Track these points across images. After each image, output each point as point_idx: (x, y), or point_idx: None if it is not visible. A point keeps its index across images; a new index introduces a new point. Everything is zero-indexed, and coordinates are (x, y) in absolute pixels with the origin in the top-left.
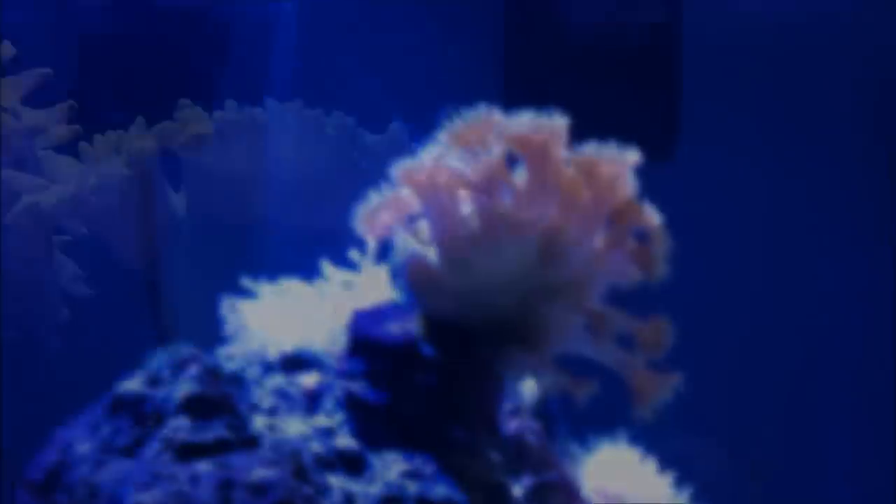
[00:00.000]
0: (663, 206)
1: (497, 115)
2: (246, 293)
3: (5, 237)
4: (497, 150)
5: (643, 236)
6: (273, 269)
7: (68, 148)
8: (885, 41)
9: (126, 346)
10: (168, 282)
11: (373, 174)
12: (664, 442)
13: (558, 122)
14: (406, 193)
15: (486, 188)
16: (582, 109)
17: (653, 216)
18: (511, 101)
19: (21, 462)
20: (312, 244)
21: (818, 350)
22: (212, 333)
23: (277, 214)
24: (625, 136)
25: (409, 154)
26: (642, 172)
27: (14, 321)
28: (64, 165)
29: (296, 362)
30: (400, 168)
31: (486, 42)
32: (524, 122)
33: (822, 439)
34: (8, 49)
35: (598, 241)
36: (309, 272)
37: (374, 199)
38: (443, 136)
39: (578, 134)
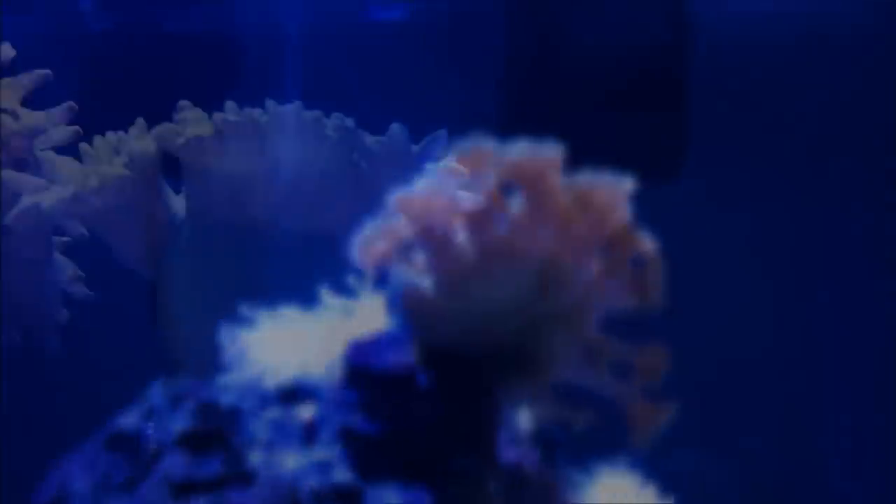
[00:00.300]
0: (668, 226)
1: (492, 144)
2: (243, 320)
3: (5, 238)
4: (492, 179)
5: (640, 264)
6: (273, 270)
7: (68, 149)
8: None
9: (126, 348)
10: (168, 284)
11: (373, 176)
12: (665, 462)
13: (554, 150)
14: (402, 222)
15: (482, 217)
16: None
17: (649, 244)
18: (512, 119)
19: (17, 462)
20: (312, 246)
21: (822, 370)
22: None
23: (278, 216)
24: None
25: (408, 156)
26: (647, 193)
27: (13, 322)
28: (64, 166)
29: (293, 393)
30: (396, 197)
31: (487, 60)
32: (520, 150)
33: (826, 457)
34: (8, 50)
35: (595, 268)
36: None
37: (369, 228)
38: (439, 166)
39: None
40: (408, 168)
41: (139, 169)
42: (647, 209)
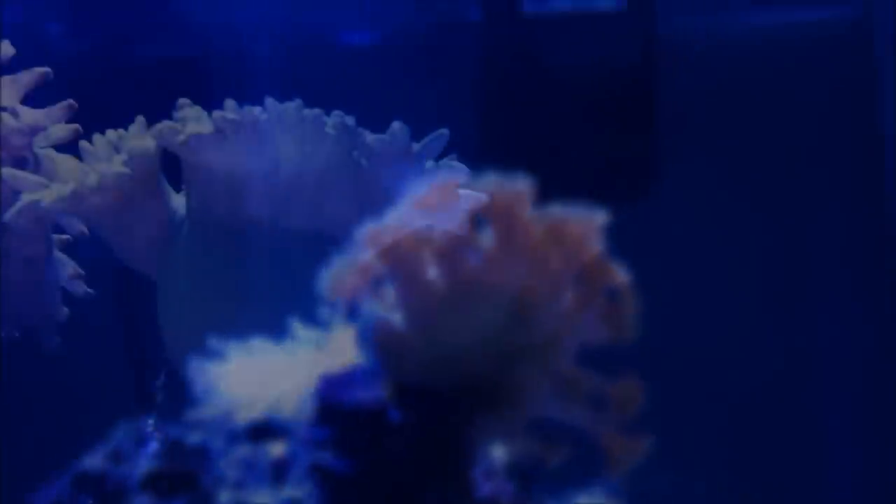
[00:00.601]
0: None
1: (462, 176)
2: (213, 353)
3: (4, 236)
4: (463, 212)
5: (614, 296)
6: (273, 269)
7: (68, 147)
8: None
9: (124, 347)
10: (168, 282)
11: (374, 174)
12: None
13: (524, 183)
14: (372, 256)
15: (452, 250)
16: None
17: (622, 276)
18: (484, 144)
19: (17, 461)
20: (312, 245)
21: (802, 390)
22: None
23: (278, 214)
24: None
25: (409, 154)
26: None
27: (12, 320)
28: (64, 164)
29: (263, 430)
30: (365, 232)
31: (459, 84)
32: (490, 182)
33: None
34: (7, 48)
35: (568, 302)
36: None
37: (340, 261)
38: (408, 199)
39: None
40: (409, 166)
41: (139, 167)
42: (617, 231)
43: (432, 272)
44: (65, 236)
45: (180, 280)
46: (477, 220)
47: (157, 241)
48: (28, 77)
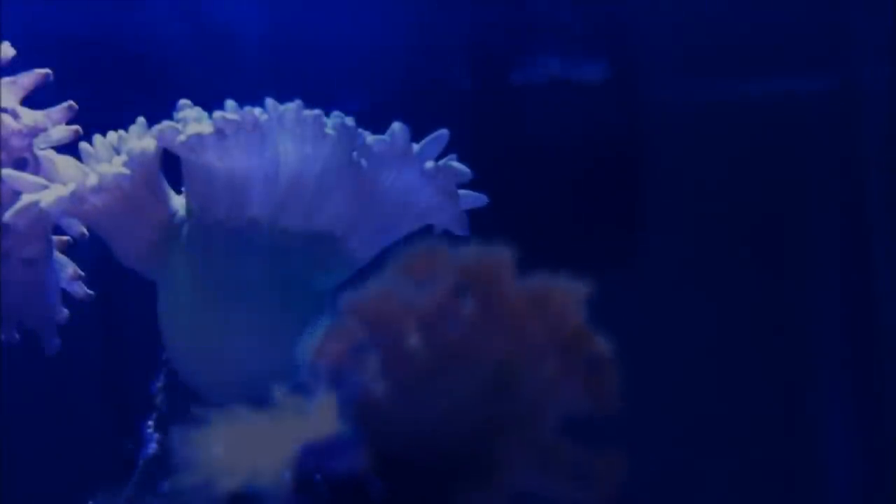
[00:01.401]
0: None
1: (445, 246)
2: (196, 420)
3: (4, 237)
4: (446, 282)
5: (596, 366)
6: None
7: (68, 148)
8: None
9: (126, 347)
10: (169, 283)
11: (374, 174)
12: None
13: (506, 252)
14: (355, 325)
15: (434, 319)
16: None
17: (604, 346)
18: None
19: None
20: (311, 244)
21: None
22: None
23: (278, 215)
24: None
25: (409, 155)
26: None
27: (13, 321)
28: (64, 165)
29: (242, 500)
30: (348, 299)
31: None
32: (472, 252)
33: None
34: (8, 50)
35: (550, 372)
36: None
37: (322, 329)
38: (391, 268)
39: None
40: (409, 167)
41: (139, 168)
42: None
43: (414, 340)
44: (65, 237)
45: (180, 281)
46: (460, 288)
47: (158, 242)
48: (28, 78)
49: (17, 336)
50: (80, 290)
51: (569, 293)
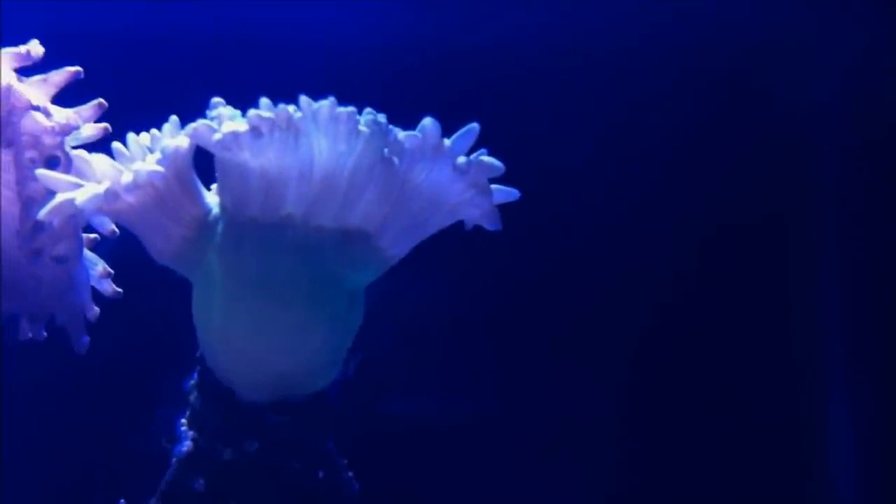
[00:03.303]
0: None
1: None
2: None
3: (37, 235)
4: None
5: None
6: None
7: (96, 146)
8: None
9: (155, 345)
10: (202, 280)
11: (405, 170)
12: None
13: None
14: None
15: None
16: None
17: None
18: None
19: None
20: (344, 241)
21: None
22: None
23: (311, 211)
24: None
25: (440, 150)
26: None
27: (42, 319)
28: (98, 163)
29: None
30: None
31: None
32: None
33: None
34: (37, 48)
35: None
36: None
37: None
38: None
39: None
40: (440, 162)
41: (172, 165)
42: None
43: None
44: (92, 235)
45: (214, 278)
46: None
47: (191, 239)
48: (59, 76)
49: (44, 334)
50: (109, 287)
51: None
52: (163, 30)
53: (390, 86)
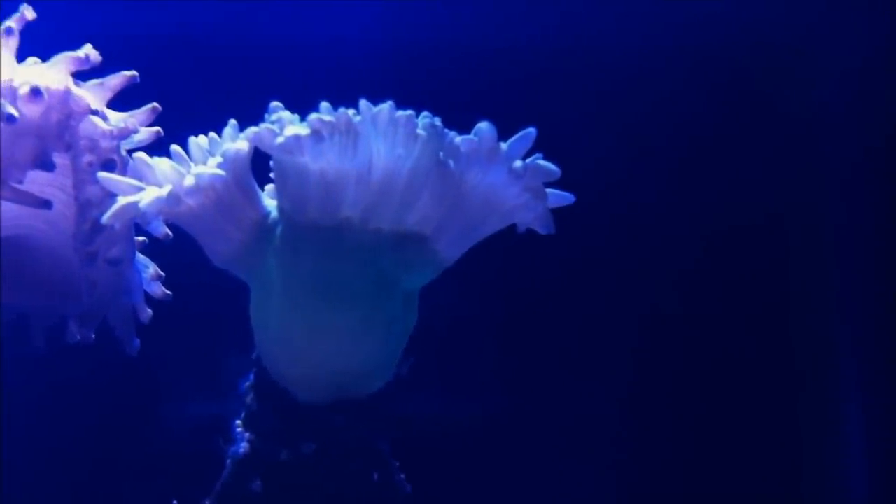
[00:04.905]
0: None
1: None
2: None
3: (96, 238)
4: None
5: None
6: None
7: (151, 149)
8: None
9: (212, 347)
10: (260, 283)
11: (461, 173)
12: None
13: None
14: None
15: None
16: None
17: None
18: None
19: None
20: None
21: None
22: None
23: (369, 215)
24: None
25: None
26: None
27: (96, 322)
28: (161, 167)
29: None
30: None
31: None
32: None
33: None
34: (94, 54)
35: None
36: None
37: None
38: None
39: None
40: (496, 166)
41: (232, 169)
42: None
43: None
44: (141, 238)
45: (272, 281)
46: None
47: (249, 242)
48: (116, 80)
49: (92, 336)
50: (159, 290)
51: None
52: (180, 30)
53: (399, 85)
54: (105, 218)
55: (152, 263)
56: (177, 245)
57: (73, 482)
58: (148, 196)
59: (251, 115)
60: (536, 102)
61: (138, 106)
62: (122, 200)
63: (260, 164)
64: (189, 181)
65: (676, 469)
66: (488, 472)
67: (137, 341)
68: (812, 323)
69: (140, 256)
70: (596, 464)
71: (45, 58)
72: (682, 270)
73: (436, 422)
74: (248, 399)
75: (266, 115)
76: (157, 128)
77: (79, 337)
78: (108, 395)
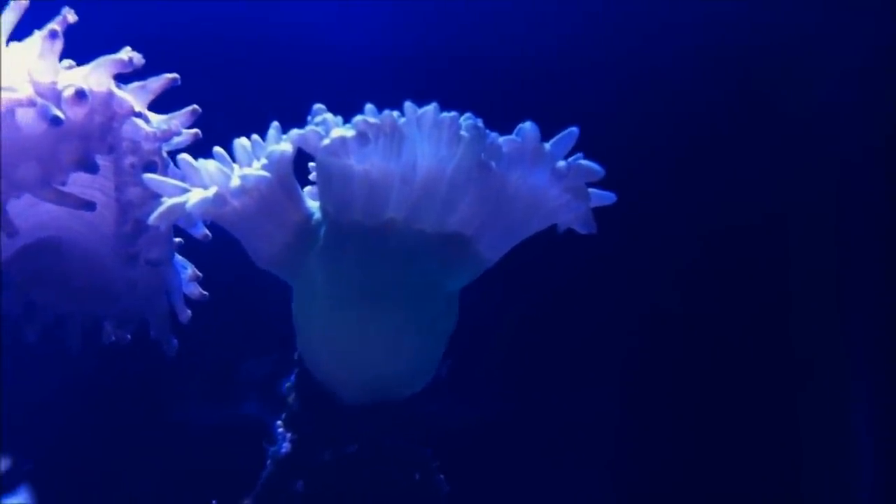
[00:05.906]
0: None
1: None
2: None
3: (137, 239)
4: None
5: None
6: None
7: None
8: None
9: (249, 348)
10: (304, 285)
11: (503, 174)
12: None
13: None
14: None
15: None
16: None
17: None
18: None
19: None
20: (444, 245)
21: None
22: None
23: (412, 216)
24: None
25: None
26: None
27: (135, 322)
28: (206, 168)
29: None
30: None
31: None
32: None
33: None
34: (137, 58)
35: None
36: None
37: None
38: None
39: None
40: (539, 166)
41: (276, 171)
42: None
43: None
44: (177, 239)
45: (315, 282)
46: None
47: (293, 243)
48: (157, 83)
49: (128, 337)
50: (196, 290)
51: None
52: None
53: (405, 89)
54: (152, 219)
55: (190, 264)
56: (190, 248)
57: (83, 483)
58: (194, 197)
59: (269, 119)
60: (536, 102)
61: (154, 107)
62: (168, 202)
63: (298, 165)
64: (235, 182)
65: (679, 468)
66: (488, 472)
67: (176, 342)
68: (813, 323)
69: (178, 257)
70: (595, 463)
71: (71, 58)
72: (683, 270)
73: (440, 423)
74: (290, 399)
75: (309, 118)
76: (196, 130)
77: (114, 338)
78: (125, 395)
